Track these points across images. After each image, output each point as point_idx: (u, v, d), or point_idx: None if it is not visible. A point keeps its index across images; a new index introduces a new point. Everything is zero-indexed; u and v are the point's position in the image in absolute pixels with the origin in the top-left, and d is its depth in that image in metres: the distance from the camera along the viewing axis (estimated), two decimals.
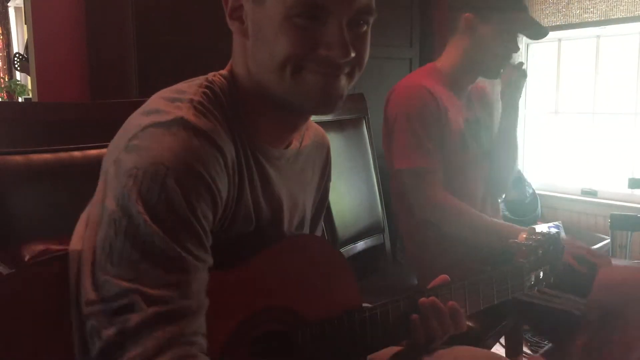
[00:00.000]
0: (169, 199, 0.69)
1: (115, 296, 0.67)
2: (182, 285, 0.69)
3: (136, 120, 0.76)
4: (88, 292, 0.69)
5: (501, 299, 1.08)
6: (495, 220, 1.60)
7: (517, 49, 1.60)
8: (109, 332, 0.66)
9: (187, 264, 0.70)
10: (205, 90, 0.80)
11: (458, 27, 1.60)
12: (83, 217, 0.80)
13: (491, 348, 1.65)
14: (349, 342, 0.89)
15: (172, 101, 0.77)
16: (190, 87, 0.80)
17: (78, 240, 0.76)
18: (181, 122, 0.73)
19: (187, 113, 0.74)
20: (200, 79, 0.83)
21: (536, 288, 1.14)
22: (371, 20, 0.80)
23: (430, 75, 1.62)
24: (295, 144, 0.93)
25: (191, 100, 0.77)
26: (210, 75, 0.84)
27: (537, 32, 1.62)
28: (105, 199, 0.71)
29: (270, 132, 0.86)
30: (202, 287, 0.72)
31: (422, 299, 0.95)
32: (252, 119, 0.84)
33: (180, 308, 0.68)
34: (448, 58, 1.65)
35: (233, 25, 0.82)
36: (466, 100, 1.70)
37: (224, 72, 0.86)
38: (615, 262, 1.63)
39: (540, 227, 1.94)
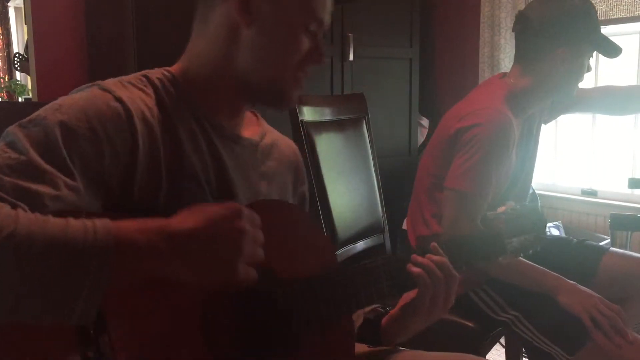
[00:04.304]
0: (47, 130, 0.74)
1: None
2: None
3: None
4: None
5: (485, 262, 1.15)
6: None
7: (591, 67, 1.65)
8: None
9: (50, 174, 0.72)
10: (140, 76, 0.87)
11: (545, 58, 1.58)
12: None
13: (491, 348, 1.66)
14: (338, 296, 0.89)
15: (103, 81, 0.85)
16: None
17: None
18: (96, 85, 0.82)
19: (107, 82, 0.83)
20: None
21: (522, 254, 1.15)
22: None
23: (509, 103, 1.59)
24: (253, 135, 0.98)
25: (120, 79, 0.85)
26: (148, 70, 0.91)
27: (615, 51, 1.68)
28: None
29: (216, 112, 0.91)
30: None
31: (415, 255, 0.93)
32: (198, 99, 0.89)
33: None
34: (526, 81, 1.61)
35: (240, 14, 0.86)
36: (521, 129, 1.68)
37: (171, 68, 0.93)
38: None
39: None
